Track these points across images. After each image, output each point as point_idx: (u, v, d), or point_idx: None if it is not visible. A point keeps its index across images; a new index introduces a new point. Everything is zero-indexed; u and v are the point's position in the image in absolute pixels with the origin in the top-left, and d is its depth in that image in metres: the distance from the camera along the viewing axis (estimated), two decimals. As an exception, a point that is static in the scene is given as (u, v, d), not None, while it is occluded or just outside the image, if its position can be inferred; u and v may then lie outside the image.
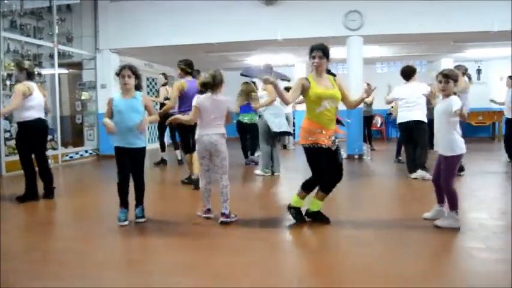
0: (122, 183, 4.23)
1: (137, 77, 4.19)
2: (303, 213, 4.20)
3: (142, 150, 4.26)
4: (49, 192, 5.38)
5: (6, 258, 3.27)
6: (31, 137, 5.22)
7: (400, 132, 6.88)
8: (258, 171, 7.08)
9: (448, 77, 3.90)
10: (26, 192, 5.22)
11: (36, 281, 2.87)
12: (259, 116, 6.99)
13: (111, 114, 4.17)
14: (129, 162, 4.22)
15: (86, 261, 3.26)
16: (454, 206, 3.90)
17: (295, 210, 4.19)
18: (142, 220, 4.23)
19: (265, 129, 6.84)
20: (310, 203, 4.19)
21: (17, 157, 5.38)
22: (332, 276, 2.97)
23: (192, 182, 5.94)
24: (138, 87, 4.25)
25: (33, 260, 3.28)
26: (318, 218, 4.15)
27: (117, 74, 4.14)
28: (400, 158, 7.91)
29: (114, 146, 4.20)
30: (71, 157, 9.47)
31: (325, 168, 4.02)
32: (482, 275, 2.93)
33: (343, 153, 8.31)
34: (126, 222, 4.15)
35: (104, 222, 4.39)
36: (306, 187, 4.15)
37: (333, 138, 3.99)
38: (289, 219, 4.40)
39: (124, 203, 4.25)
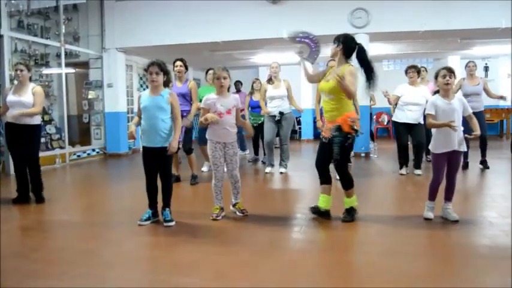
0: (147, 183, 4.18)
1: (166, 73, 4.09)
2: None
3: (166, 150, 4.09)
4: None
5: (9, 257, 3.28)
6: (38, 138, 5.25)
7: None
8: (283, 170, 7.07)
9: (452, 72, 3.97)
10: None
11: (38, 280, 2.87)
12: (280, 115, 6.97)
13: (140, 112, 4.15)
14: (154, 162, 4.13)
15: (90, 260, 3.27)
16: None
17: (315, 207, 4.34)
18: (171, 224, 4.07)
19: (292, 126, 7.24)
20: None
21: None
22: (337, 274, 2.96)
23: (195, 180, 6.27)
24: (166, 84, 4.16)
25: (36, 259, 3.28)
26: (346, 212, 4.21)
27: (145, 70, 4.08)
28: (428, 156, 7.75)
29: (142, 145, 4.19)
30: (79, 156, 9.51)
31: (322, 156, 4.27)
32: (490, 273, 2.91)
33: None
34: (146, 223, 4.10)
35: (109, 222, 4.41)
36: (320, 181, 4.33)
37: (332, 130, 4.10)
38: (297, 218, 4.41)
39: (151, 204, 4.20)
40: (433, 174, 4.16)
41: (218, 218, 4.26)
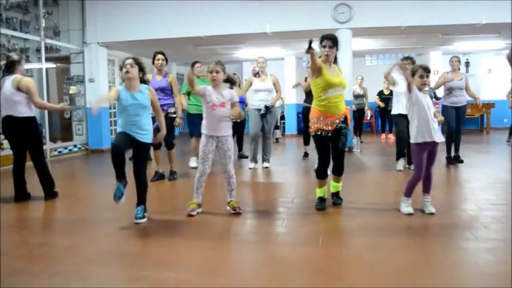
0: (114, 151, 3.85)
1: (141, 69, 4.03)
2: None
3: (144, 145, 4.03)
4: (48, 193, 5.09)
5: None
6: (32, 134, 5.05)
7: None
8: (267, 164, 7.14)
9: (429, 71, 4.10)
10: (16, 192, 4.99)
11: (19, 278, 2.83)
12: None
13: (112, 98, 4.04)
14: (129, 142, 3.94)
15: (72, 257, 3.23)
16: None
17: (318, 200, 4.50)
18: (141, 221, 3.97)
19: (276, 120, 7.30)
20: (330, 185, 4.59)
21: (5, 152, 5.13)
22: (323, 267, 2.98)
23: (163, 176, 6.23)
24: (143, 81, 4.08)
25: (18, 256, 3.22)
26: (333, 199, 4.57)
27: (121, 68, 4.01)
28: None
29: (118, 131, 4.01)
30: (60, 152, 9.39)
31: (327, 152, 4.37)
32: (470, 264, 2.97)
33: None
34: (123, 200, 3.95)
35: (91, 218, 4.36)
36: (318, 175, 4.45)
37: (337, 122, 4.29)
38: (280, 212, 4.43)
39: (119, 176, 3.92)
40: (414, 169, 4.22)
41: (193, 213, 4.18)
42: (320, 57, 4.24)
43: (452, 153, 7.11)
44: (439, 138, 4.09)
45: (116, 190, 3.95)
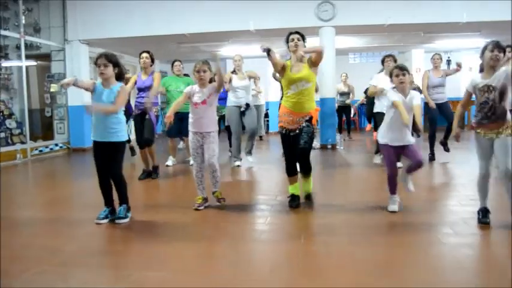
0: (99, 179, 4.00)
1: (116, 65, 3.91)
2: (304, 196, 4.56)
3: (115, 145, 3.92)
4: None
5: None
6: None
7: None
8: (251, 159, 7.22)
9: (404, 70, 4.02)
10: None
11: (2, 278, 2.77)
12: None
13: (86, 85, 4.00)
14: (103, 157, 3.95)
15: (53, 257, 3.18)
16: None
17: (290, 197, 4.48)
18: (123, 221, 3.94)
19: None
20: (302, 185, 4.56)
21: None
22: (304, 264, 2.99)
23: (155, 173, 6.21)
24: (119, 77, 3.98)
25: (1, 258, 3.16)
26: (306, 199, 4.54)
27: (95, 64, 3.93)
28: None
29: (92, 139, 4.00)
30: (41, 151, 9.25)
31: (290, 149, 4.38)
32: (449, 259, 3.01)
33: (316, 143, 8.41)
34: (103, 221, 3.94)
35: (72, 218, 4.30)
36: (286, 172, 4.48)
37: (301, 120, 4.26)
38: (263, 210, 4.44)
39: (106, 202, 4.05)
40: (386, 167, 4.22)
41: (200, 208, 4.34)
42: (290, 50, 4.29)
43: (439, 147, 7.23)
44: (409, 140, 4.04)
45: (101, 212, 4.02)
